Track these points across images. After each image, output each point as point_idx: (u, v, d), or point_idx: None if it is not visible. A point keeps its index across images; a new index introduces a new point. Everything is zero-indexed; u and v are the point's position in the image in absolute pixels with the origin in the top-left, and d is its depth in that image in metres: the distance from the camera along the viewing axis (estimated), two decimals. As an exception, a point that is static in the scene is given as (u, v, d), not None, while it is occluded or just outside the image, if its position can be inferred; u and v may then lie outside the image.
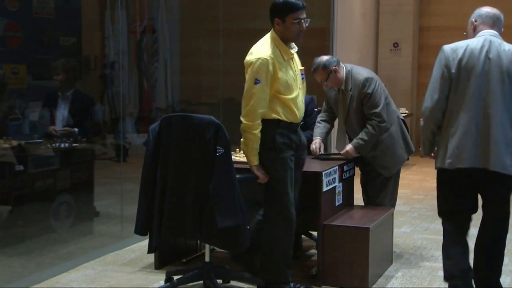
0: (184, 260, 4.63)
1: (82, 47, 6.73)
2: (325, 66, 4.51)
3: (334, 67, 4.51)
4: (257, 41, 4.73)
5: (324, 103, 4.90)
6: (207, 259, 4.02)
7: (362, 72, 4.61)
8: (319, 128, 4.78)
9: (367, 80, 4.51)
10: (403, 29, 10.39)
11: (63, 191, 5.55)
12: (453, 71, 3.53)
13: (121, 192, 5.55)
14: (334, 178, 4.29)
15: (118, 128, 6.86)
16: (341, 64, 4.58)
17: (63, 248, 5.01)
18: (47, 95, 5.62)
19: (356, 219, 4.31)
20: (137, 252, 4.93)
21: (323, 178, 4.10)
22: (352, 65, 4.68)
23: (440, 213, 3.79)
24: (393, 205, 4.79)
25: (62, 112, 5.48)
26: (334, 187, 4.31)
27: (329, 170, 4.20)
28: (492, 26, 3.66)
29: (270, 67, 3.68)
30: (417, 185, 7.97)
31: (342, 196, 4.46)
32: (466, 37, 3.77)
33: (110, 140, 6.95)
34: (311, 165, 4.31)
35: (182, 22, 8.83)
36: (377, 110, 4.48)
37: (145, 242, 5.11)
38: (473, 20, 3.74)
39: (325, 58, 4.57)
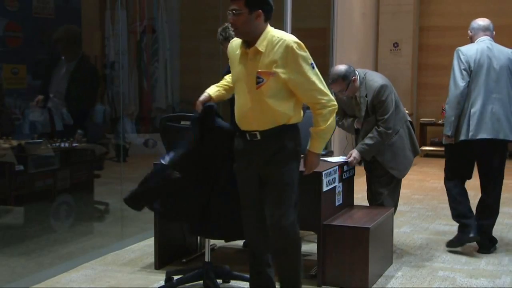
0: (184, 260, 4.63)
1: (82, 47, 6.72)
2: (345, 77, 4.49)
3: (353, 77, 4.51)
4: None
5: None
6: (207, 259, 4.02)
7: (377, 79, 4.62)
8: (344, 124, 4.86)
9: (382, 88, 4.53)
10: (403, 29, 10.40)
11: (63, 191, 5.55)
12: (472, 65, 4.68)
13: (120, 192, 5.55)
14: (334, 178, 4.29)
15: (118, 128, 6.85)
16: (355, 71, 4.59)
17: (63, 248, 5.01)
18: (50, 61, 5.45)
19: (356, 219, 4.31)
20: (137, 252, 4.93)
21: (323, 178, 4.10)
22: (365, 71, 4.69)
23: (449, 178, 4.96)
24: (395, 205, 4.82)
25: (59, 80, 5.34)
26: (334, 187, 4.32)
27: (329, 170, 4.20)
28: (484, 33, 4.84)
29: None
30: (417, 185, 7.97)
31: (342, 196, 4.46)
32: (464, 36, 4.94)
33: (110, 140, 6.94)
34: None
35: (182, 22, 8.83)
36: (386, 116, 4.54)
37: (145, 242, 5.13)
38: (469, 31, 4.94)
39: (343, 68, 4.53)
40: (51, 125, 5.34)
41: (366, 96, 4.56)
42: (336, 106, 3.40)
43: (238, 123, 3.43)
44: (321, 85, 3.35)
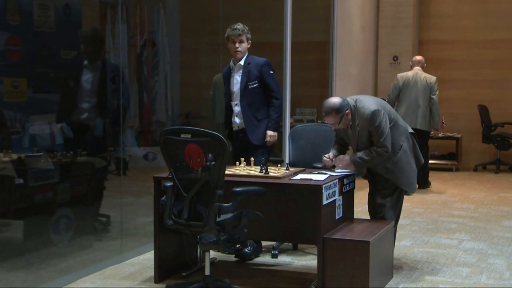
0: (184, 274, 4.61)
1: (83, 61, 6.74)
2: (339, 111, 4.47)
3: (346, 111, 4.51)
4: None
5: (335, 136, 4.92)
6: (207, 272, 4.01)
7: (367, 105, 4.58)
8: (333, 149, 4.84)
9: (374, 114, 4.51)
10: (403, 43, 10.42)
11: (63, 205, 5.53)
12: (401, 85, 8.21)
13: (120, 205, 5.54)
14: (334, 191, 4.29)
15: (118, 141, 6.85)
16: (348, 104, 4.57)
17: (63, 262, 4.99)
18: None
19: (357, 232, 4.30)
20: (137, 265, 4.92)
21: (323, 191, 4.09)
22: (355, 98, 4.65)
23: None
24: (397, 218, 4.82)
25: (90, 81, 5.61)
26: (334, 200, 4.31)
27: (329, 183, 4.20)
28: (417, 65, 8.35)
29: None
30: (417, 198, 7.95)
31: (342, 209, 4.45)
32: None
33: (110, 153, 6.93)
34: (311, 178, 4.31)
35: (182, 36, 8.86)
36: (381, 140, 4.52)
37: (144, 256, 5.11)
38: (410, 62, 8.53)
39: (337, 102, 4.50)
40: (51, 138, 5.33)
41: (358, 125, 4.57)
42: None
43: None
44: None
